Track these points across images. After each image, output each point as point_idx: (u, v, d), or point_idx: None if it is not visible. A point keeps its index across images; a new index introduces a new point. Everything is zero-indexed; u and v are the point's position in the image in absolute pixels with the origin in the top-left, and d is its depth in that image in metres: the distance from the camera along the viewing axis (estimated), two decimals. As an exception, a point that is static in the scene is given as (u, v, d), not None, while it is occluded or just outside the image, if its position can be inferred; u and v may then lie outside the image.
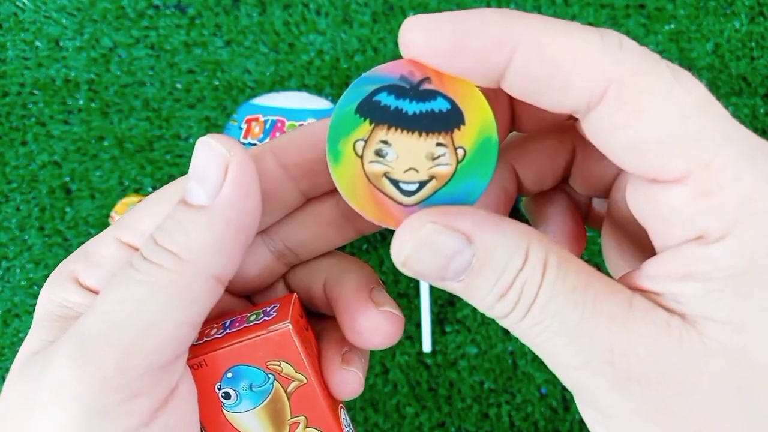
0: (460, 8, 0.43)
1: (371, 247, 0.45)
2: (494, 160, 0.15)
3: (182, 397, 0.16)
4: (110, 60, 0.43)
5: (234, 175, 0.15)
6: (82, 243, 0.48)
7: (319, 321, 0.20)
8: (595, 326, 0.13)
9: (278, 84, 0.44)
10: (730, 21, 0.44)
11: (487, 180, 0.15)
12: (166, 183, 0.48)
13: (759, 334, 0.13)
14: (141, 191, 0.44)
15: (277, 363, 0.17)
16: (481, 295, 0.14)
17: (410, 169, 0.15)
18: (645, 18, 0.44)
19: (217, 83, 0.44)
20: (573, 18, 0.44)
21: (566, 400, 0.46)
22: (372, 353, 0.45)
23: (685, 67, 0.48)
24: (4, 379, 0.43)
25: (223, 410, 0.17)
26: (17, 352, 0.44)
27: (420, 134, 0.15)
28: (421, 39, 0.14)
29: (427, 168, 0.15)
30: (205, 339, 0.17)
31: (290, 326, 0.17)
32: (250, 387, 0.17)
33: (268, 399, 0.17)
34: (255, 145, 0.37)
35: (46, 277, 0.45)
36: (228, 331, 0.17)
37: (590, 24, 0.44)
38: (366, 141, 0.15)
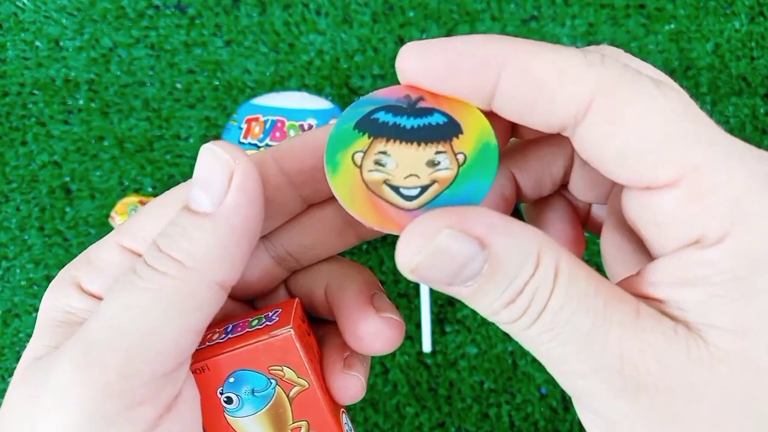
0: (460, 7, 0.43)
1: (371, 247, 0.45)
2: (496, 163, 0.15)
3: (186, 403, 0.16)
4: (110, 60, 0.43)
5: (239, 182, 0.15)
6: (82, 243, 0.49)
7: (321, 326, 0.20)
8: (606, 334, 0.13)
9: (278, 84, 0.44)
10: (730, 21, 0.44)
11: (491, 180, 0.15)
12: (166, 183, 0.48)
13: (762, 338, 0.13)
14: (141, 191, 0.44)
15: (279, 368, 0.17)
16: (488, 301, 0.14)
17: (411, 175, 0.15)
18: (645, 18, 0.44)
19: (217, 83, 0.44)
20: (573, 18, 0.44)
21: (566, 400, 0.46)
22: (372, 353, 0.45)
23: (684, 67, 0.48)
24: (3, 379, 0.43)
25: (225, 415, 0.17)
26: (17, 352, 0.44)
27: (419, 144, 0.15)
28: (417, 64, 0.15)
29: (428, 174, 0.15)
30: (207, 344, 0.17)
31: (292, 331, 0.17)
32: (252, 392, 0.17)
33: (270, 404, 0.17)
34: (255, 145, 0.37)
35: (46, 277, 0.45)
36: (230, 336, 0.17)
37: (590, 24, 0.44)
38: (365, 152, 0.15)
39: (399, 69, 0.15)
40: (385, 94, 0.16)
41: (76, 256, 0.45)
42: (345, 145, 0.15)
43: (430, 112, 0.15)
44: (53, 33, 0.43)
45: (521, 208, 0.42)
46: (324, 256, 0.19)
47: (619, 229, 0.18)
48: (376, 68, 0.44)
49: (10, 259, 0.44)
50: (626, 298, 0.14)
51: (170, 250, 0.15)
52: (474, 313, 0.46)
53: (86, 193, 0.44)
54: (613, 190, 0.18)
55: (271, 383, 0.17)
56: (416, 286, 0.44)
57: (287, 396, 0.17)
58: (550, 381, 0.46)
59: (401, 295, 0.45)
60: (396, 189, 0.15)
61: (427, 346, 0.44)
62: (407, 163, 0.15)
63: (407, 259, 0.14)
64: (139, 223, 0.17)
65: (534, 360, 0.46)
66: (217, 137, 0.44)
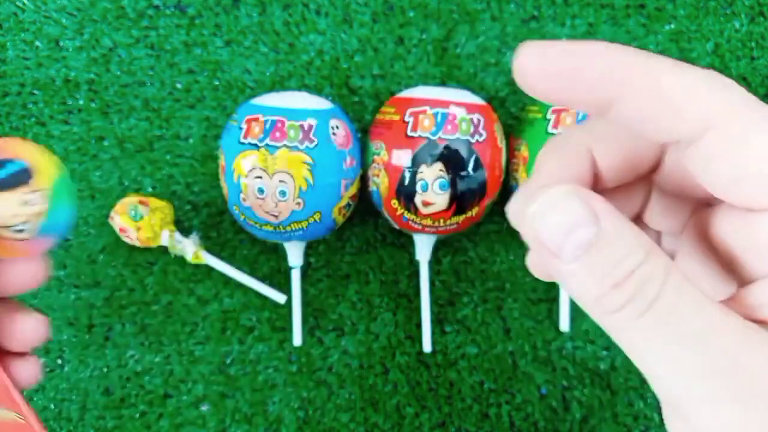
0: (460, 7, 0.43)
1: (371, 248, 0.45)
2: (74, 189, 0.21)
3: None
4: (110, 60, 0.43)
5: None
6: (82, 243, 0.49)
7: None
8: (720, 337, 0.13)
9: (278, 84, 0.44)
10: (730, 21, 0.44)
11: (74, 202, 0.22)
12: (166, 183, 0.48)
13: None
14: (141, 191, 0.44)
15: None
16: (596, 278, 0.14)
17: (13, 215, 0.21)
18: (645, 18, 0.44)
19: (217, 83, 0.44)
20: (573, 18, 0.44)
21: (566, 400, 0.46)
22: (372, 353, 0.45)
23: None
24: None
25: None
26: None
27: (8, 191, 0.21)
28: (537, 64, 0.15)
29: (27, 211, 0.21)
30: None
31: None
32: None
33: None
34: (255, 145, 0.37)
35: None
36: None
37: (590, 24, 0.44)
38: None
39: (517, 67, 0.15)
40: None
41: (76, 255, 0.45)
42: None
43: (2, 164, 0.20)
44: (53, 33, 0.43)
45: None
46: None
47: (696, 256, 0.18)
48: (376, 68, 0.44)
49: (10, 259, 0.43)
50: (732, 312, 0.14)
51: None
52: (474, 313, 0.46)
53: (86, 193, 0.44)
54: (693, 219, 0.18)
55: None
56: (416, 286, 0.44)
57: None
58: (550, 381, 0.46)
59: (401, 295, 0.45)
60: (7, 228, 0.21)
61: (427, 346, 0.44)
62: (5, 208, 0.20)
63: (525, 209, 0.15)
64: None
65: (534, 360, 0.46)
66: (217, 137, 0.44)
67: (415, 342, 0.45)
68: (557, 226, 0.14)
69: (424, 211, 0.38)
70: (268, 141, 0.37)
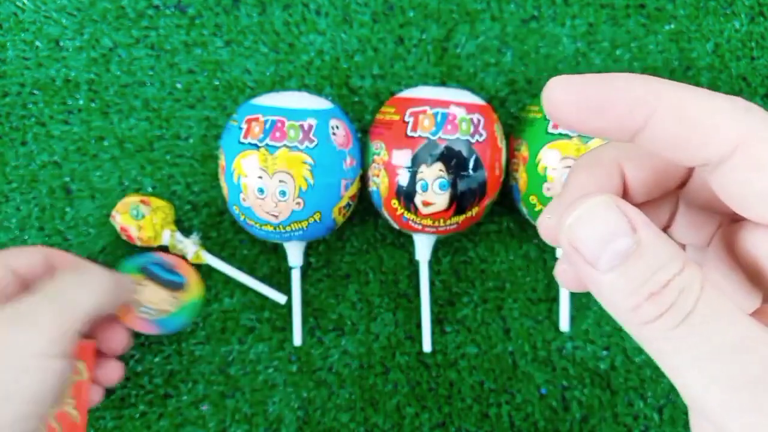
0: (460, 7, 0.43)
1: (371, 247, 0.45)
2: (198, 311, 0.38)
3: None
4: (110, 60, 0.43)
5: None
6: (82, 243, 0.48)
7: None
8: (755, 348, 0.14)
9: (278, 84, 0.44)
10: (730, 21, 0.44)
11: (189, 318, 0.40)
12: (167, 183, 0.48)
13: None
14: (141, 191, 0.44)
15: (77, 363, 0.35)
16: (632, 288, 0.14)
17: (153, 301, 0.40)
18: (645, 18, 0.44)
19: (217, 83, 0.44)
20: (573, 18, 0.44)
21: (566, 399, 0.46)
22: (372, 353, 0.45)
23: (684, 67, 0.48)
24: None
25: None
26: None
27: (164, 288, 0.40)
28: (568, 97, 0.15)
29: (161, 306, 0.40)
30: None
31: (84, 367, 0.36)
32: None
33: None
34: (255, 145, 0.37)
35: (46, 277, 0.44)
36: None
37: (590, 24, 0.44)
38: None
39: (547, 99, 0.16)
40: (161, 255, 0.41)
41: (76, 256, 0.45)
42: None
43: (177, 273, 0.41)
44: (53, 33, 0.43)
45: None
46: None
47: (721, 269, 0.19)
48: (376, 68, 0.44)
49: (10, 259, 0.43)
50: (762, 325, 0.14)
51: None
52: (474, 312, 0.46)
53: (86, 193, 0.44)
54: (719, 233, 0.19)
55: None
56: (416, 286, 0.44)
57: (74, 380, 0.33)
58: (550, 381, 0.46)
59: (401, 295, 0.45)
60: (141, 307, 0.40)
61: (427, 346, 0.44)
62: (154, 296, 0.40)
63: (567, 215, 0.15)
64: None
65: (534, 360, 0.46)
66: (217, 137, 0.44)
67: (415, 342, 0.45)
68: (596, 235, 0.15)
69: (424, 211, 0.38)
70: (268, 141, 0.37)
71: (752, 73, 0.44)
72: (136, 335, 0.43)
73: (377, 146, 0.39)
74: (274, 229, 0.39)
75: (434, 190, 0.37)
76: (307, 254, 0.45)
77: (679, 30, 0.44)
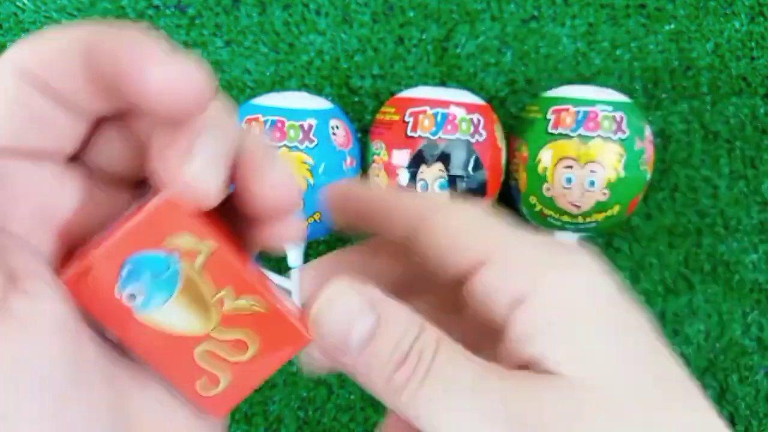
0: (460, 7, 0.43)
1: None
2: None
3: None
4: (110, 60, 0.44)
5: None
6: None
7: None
8: (490, 384, 0.15)
9: (278, 84, 0.44)
10: (730, 21, 0.44)
11: None
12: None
13: (594, 359, 0.16)
14: (141, 191, 0.44)
15: (174, 238, 0.14)
16: (382, 362, 0.15)
17: None
18: (645, 18, 0.44)
19: (217, 83, 0.44)
20: (573, 18, 0.44)
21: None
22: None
23: (684, 67, 0.47)
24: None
25: (135, 315, 0.15)
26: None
27: None
28: (347, 204, 0.19)
29: None
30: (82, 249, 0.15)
31: (167, 195, 0.14)
32: (155, 277, 0.15)
33: (180, 284, 0.15)
34: (255, 145, 0.37)
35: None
36: (108, 231, 0.15)
37: (590, 24, 0.44)
38: None
39: (331, 204, 0.18)
40: None
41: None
42: None
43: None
44: (53, 33, 0.43)
45: (521, 203, 0.41)
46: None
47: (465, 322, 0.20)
48: (376, 68, 0.44)
49: (10, 259, 0.43)
50: (494, 365, 0.16)
51: None
52: (474, 313, 0.46)
53: (86, 193, 0.44)
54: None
55: (171, 260, 0.15)
56: (416, 286, 0.44)
57: (195, 268, 0.15)
58: (550, 381, 0.46)
59: (401, 295, 0.45)
60: None
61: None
62: None
63: (311, 307, 0.16)
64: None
65: (534, 360, 0.45)
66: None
67: (415, 342, 0.45)
68: (340, 325, 0.15)
69: (424, 211, 0.38)
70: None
71: (752, 73, 0.44)
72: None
73: (377, 146, 0.39)
74: (274, 229, 0.39)
75: (434, 190, 0.37)
76: (307, 254, 0.45)
77: (679, 30, 0.44)
